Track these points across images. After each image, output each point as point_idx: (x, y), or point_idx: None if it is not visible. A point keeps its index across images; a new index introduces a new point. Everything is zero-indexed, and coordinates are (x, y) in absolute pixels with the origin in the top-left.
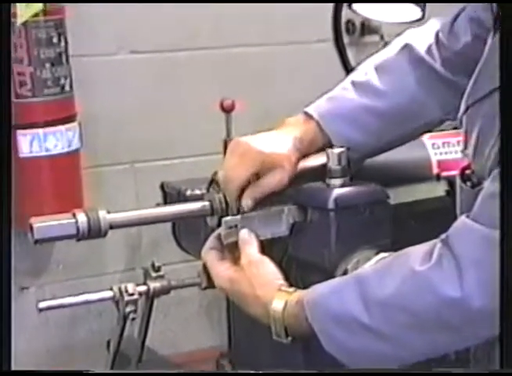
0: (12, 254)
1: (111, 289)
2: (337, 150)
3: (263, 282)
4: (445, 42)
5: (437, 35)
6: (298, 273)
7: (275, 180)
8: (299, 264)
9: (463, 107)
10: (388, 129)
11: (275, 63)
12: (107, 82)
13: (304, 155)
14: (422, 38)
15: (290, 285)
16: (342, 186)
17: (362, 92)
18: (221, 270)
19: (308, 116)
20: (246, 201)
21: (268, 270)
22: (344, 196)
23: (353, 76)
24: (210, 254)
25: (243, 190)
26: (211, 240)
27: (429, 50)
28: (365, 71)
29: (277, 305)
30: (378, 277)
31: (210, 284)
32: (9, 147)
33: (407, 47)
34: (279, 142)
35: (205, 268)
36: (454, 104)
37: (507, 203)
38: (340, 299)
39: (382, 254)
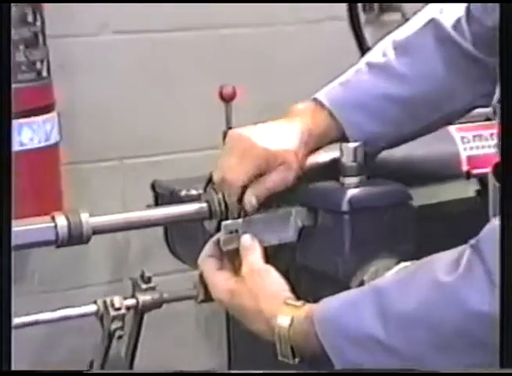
0: None
1: (95, 303)
2: (352, 145)
3: (267, 294)
4: (478, 15)
5: (468, 7)
6: (307, 285)
7: (279, 178)
8: (308, 274)
9: (498, 93)
10: (410, 118)
11: (280, 45)
12: (90, 67)
13: (315, 148)
14: (449, 11)
15: (298, 298)
16: (358, 185)
17: (380, 75)
18: (220, 281)
19: (319, 103)
20: (250, 199)
21: (273, 281)
22: (360, 196)
23: (369, 56)
24: (207, 262)
25: (243, 190)
26: (209, 247)
27: (458, 25)
28: (383, 51)
29: (283, 320)
30: (399, 289)
31: (208, 297)
32: (9, 144)
33: (432, 22)
34: (284, 136)
35: (202, 278)
36: (487, 89)
37: (507, 204)
38: (355, 313)
39: (404, 264)
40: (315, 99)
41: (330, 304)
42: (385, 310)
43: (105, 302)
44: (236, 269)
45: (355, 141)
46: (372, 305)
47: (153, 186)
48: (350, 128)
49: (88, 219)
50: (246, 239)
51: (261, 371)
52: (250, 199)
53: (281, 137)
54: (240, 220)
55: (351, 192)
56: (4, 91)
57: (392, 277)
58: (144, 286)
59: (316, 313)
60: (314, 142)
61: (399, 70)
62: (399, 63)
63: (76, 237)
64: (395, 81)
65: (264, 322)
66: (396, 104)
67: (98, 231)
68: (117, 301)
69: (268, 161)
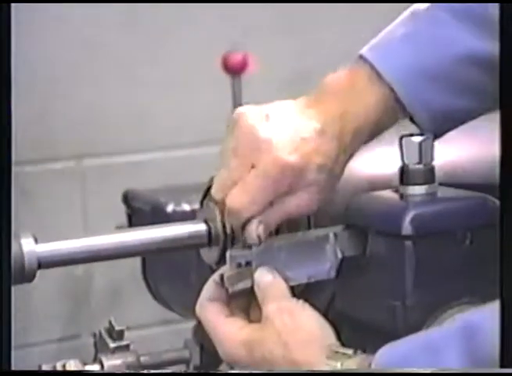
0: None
1: (40, 369)
2: (416, 139)
3: (303, 339)
4: None
5: None
6: (352, 340)
7: (303, 202)
8: (352, 325)
9: None
10: (491, 86)
11: None
12: (35, 15)
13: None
14: None
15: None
16: (425, 197)
17: (465, 25)
18: (231, 330)
19: (369, 70)
20: (252, 233)
21: (311, 320)
22: (428, 214)
23: None
24: (210, 308)
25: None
26: (210, 288)
27: None
28: None
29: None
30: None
31: (206, 362)
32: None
33: None
34: (314, 137)
35: (198, 332)
36: None
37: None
38: (434, 359)
39: None
40: (364, 62)
41: (396, 349)
42: (477, 356)
43: (55, 369)
44: (251, 319)
45: (420, 132)
46: (459, 350)
47: (125, 198)
48: (421, 111)
49: (32, 246)
50: (263, 274)
51: (261, 371)
52: (254, 233)
53: (310, 139)
54: (254, 249)
55: (416, 208)
56: (4, 92)
57: (490, 310)
58: (113, 344)
59: (376, 362)
60: (360, 140)
61: (491, 16)
62: (490, 7)
63: (14, 273)
64: (484, 32)
65: None
66: (480, 66)
67: (47, 264)
68: (73, 366)
69: (291, 183)
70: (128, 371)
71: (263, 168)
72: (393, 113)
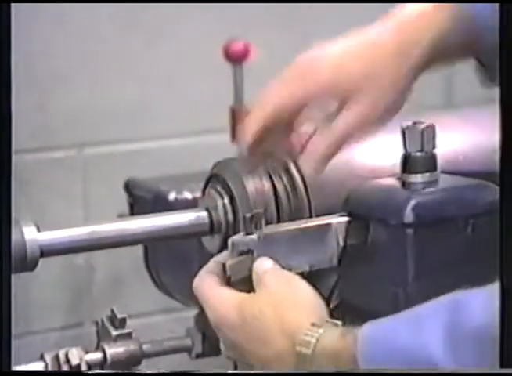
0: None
1: (42, 358)
2: (419, 126)
3: (295, 302)
4: None
5: None
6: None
7: (363, 109)
8: (354, 312)
9: None
10: None
11: None
12: (34, 15)
13: (430, 63)
14: None
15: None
16: (428, 185)
17: None
18: (224, 297)
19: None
20: (309, 162)
21: (306, 290)
22: (430, 202)
23: None
24: (206, 279)
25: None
26: (210, 265)
27: None
28: None
29: (307, 337)
30: (483, 300)
31: (208, 349)
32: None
33: None
34: (374, 50)
35: (200, 320)
36: None
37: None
38: (420, 332)
39: None
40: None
41: (382, 323)
42: (459, 326)
43: (57, 357)
44: None
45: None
46: (441, 320)
47: (127, 187)
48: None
49: (34, 235)
50: (263, 263)
51: (261, 371)
52: (310, 160)
53: (369, 51)
54: (255, 236)
55: (418, 195)
56: (3, 93)
57: (479, 289)
58: (115, 332)
59: (363, 331)
60: (424, 56)
61: None
62: None
63: (16, 262)
64: None
65: (285, 338)
66: None
67: (48, 252)
68: (75, 354)
69: (338, 90)
70: (129, 371)
71: (306, 73)
72: (461, 32)
